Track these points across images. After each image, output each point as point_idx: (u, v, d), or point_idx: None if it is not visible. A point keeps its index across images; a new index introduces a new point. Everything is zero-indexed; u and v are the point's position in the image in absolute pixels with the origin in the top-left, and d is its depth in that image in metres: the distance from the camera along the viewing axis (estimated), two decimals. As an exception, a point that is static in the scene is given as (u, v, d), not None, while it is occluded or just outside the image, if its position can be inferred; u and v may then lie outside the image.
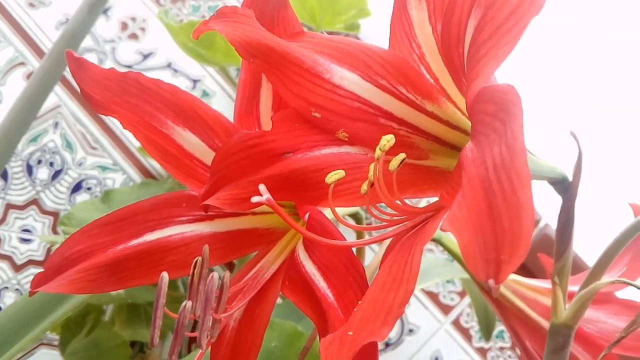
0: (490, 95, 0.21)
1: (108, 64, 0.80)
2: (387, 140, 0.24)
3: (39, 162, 0.76)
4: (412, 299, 0.77)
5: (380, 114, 0.28)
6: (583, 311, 0.39)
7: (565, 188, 0.36)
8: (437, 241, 0.51)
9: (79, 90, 0.79)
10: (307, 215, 0.29)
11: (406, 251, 0.23)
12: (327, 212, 0.31)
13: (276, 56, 0.26)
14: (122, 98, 0.30)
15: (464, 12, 0.23)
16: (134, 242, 0.31)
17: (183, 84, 0.80)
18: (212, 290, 0.26)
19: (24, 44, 0.79)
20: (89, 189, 0.76)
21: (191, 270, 0.28)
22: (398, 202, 0.26)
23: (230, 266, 0.68)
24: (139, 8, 0.83)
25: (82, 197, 0.76)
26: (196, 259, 0.29)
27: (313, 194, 0.27)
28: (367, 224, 0.34)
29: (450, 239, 0.51)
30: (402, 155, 0.25)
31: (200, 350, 0.27)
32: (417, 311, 0.76)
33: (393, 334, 0.75)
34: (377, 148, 0.24)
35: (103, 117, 0.78)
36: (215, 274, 0.26)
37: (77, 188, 0.76)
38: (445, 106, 0.29)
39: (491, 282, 0.16)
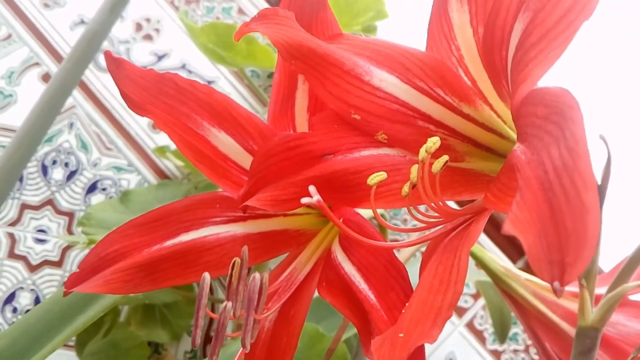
0: (541, 98, 0.21)
1: (123, 65, 0.80)
2: (433, 143, 0.25)
3: (54, 162, 0.76)
4: (426, 301, 0.77)
5: (419, 116, 0.28)
6: (610, 314, 0.39)
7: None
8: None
9: (99, 94, 0.79)
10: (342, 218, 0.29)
11: (452, 253, 0.23)
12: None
13: (317, 58, 0.26)
14: (158, 99, 0.30)
15: (509, 15, 0.23)
16: (169, 242, 0.31)
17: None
18: (254, 290, 0.26)
19: (38, 45, 0.79)
20: (104, 189, 0.76)
21: (229, 271, 0.29)
22: (441, 203, 0.26)
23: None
24: (154, 9, 0.83)
25: (97, 197, 0.76)
26: (234, 259, 0.29)
27: (354, 195, 0.27)
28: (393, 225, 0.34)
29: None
30: (445, 157, 0.25)
31: (240, 351, 0.28)
32: (431, 313, 0.76)
33: (407, 336, 0.75)
34: (423, 149, 0.25)
35: (118, 117, 0.78)
36: (257, 275, 0.27)
37: (92, 189, 0.76)
38: (482, 109, 0.29)
39: (556, 284, 0.16)
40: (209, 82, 0.81)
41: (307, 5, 0.29)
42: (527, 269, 0.83)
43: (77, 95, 0.78)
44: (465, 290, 0.77)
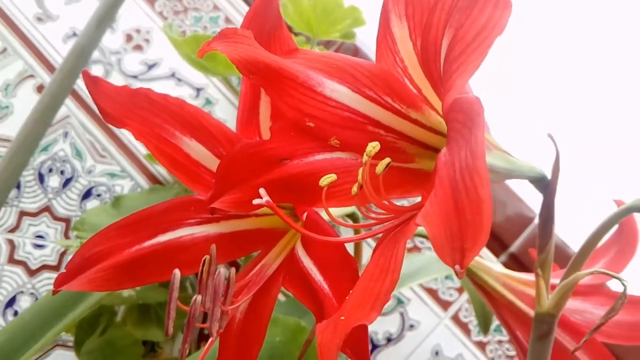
0: (460, 106, 0.23)
1: (114, 75, 0.83)
2: (373, 147, 0.27)
3: (50, 170, 0.79)
4: (412, 296, 0.79)
5: (369, 122, 0.31)
6: (565, 300, 0.41)
7: (545, 186, 0.39)
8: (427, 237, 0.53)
9: (92, 103, 0.81)
10: (304, 216, 0.32)
11: (392, 245, 0.26)
12: (325, 214, 0.34)
13: (272, 72, 0.29)
14: (133, 112, 0.33)
15: (439, 31, 0.26)
16: (148, 243, 0.34)
17: (187, 93, 0.83)
18: (219, 284, 0.29)
19: (33, 57, 0.82)
20: (98, 195, 0.79)
21: (200, 268, 0.31)
22: (385, 202, 0.28)
23: (235, 265, 0.70)
24: (143, 20, 0.86)
25: (92, 203, 0.79)
26: (205, 257, 0.32)
27: (309, 196, 0.29)
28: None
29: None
30: (387, 160, 0.28)
31: (210, 339, 0.30)
32: (417, 307, 0.79)
33: (394, 330, 0.78)
34: (364, 154, 0.27)
35: (110, 126, 0.81)
36: (222, 270, 0.29)
37: (87, 195, 0.79)
38: (428, 114, 0.32)
39: (457, 267, 0.19)
40: (198, 90, 0.84)
41: (266, 24, 0.31)
42: (510, 262, 0.85)
43: (70, 105, 0.81)
44: (450, 284, 0.80)
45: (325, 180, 0.28)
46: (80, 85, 0.82)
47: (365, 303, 0.24)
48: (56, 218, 0.78)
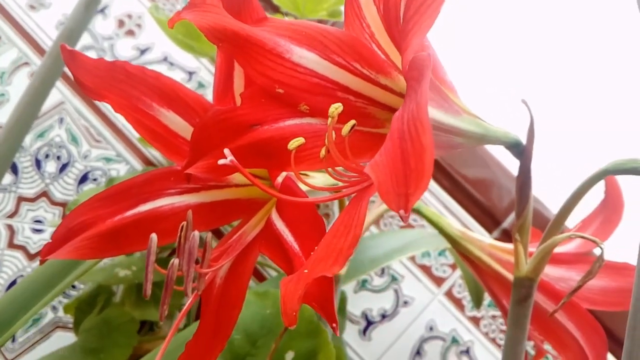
0: (415, 63, 0.24)
1: (108, 61, 0.84)
2: (335, 108, 0.28)
3: (47, 156, 0.80)
4: (406, 272, 0.80)
5: (338, 88, 0.32)
6: (543, 264, 0.42)
7: (520, 152, 0.40)
8: (417, 211, 0.54)
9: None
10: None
11: (356, 203, 0.27)
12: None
13: (241, 40, 0.30)
14: (111, 84, 0.34)
15: (397, -3, 0.27)
16: (130, 212, 0.35)
17: (179, 76, 0.84)
18: (194, 246, 0.30)
19: (27, 45, 0.83)
20: (94, 179, 0.80)
21: (178, 233, 0.32)
22: (354, 165, 0.29)
23: (219, 234, 0.71)
24: (135, 5, 0.87)
25: (88, 187, 0.80)
26: (182, 223, 0.33)
27: (279, 160, 0.30)
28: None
29: (429, 208, 0.55)
30: (352, 122, 0.29)
31: (189, 300, 0.31)
32: (411, 284, 0.80)
33: (388, 306, 0.79)
34: (328, 115, 0.28)
35: (105, 111, 0.82)
36: (197, 233, 0.30)
37: (83, 179, 0.80)
38: (397, 79, 0.33)
39: (402, 212, 0.19)
40: (190, 73, 0.84)
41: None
42: (503, 238, 0.86)
43: (65, 91, 0.82)
44: (443, 260, 0.81)
45: (294, 143, 0.29)
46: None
47: (328, 257, 0.25)
48: (54, 203, 0.79)
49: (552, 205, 0.82)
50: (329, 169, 0.30)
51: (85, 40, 0.84)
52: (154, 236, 0.31)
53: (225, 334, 0.34)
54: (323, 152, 0.29)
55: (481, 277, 0.54)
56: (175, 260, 0.31)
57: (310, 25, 0.32)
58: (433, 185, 0.83)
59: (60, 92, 0.82)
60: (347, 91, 0.32)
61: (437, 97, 0.31)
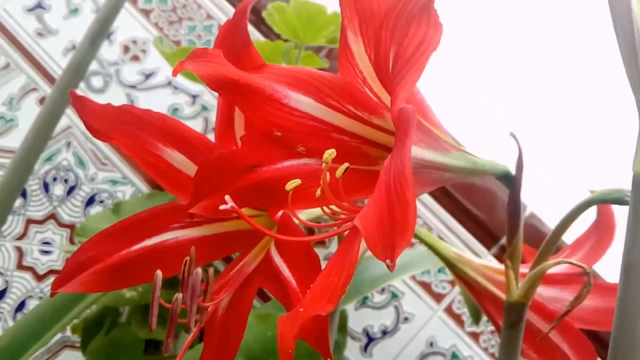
0: (402, 115, 0.26)
1: (113, 85, 0.86)
2: (329, 154, 0.30)
3: (55, 179, 0.82)
4: (406, 289, 0.82)
5: (333, 130, 0.34)
6: (534, 289, 0.44)
7: (510, 182, 0.42)
8: (414, 235, 0.56)
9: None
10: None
11: (350, 243, 0.28)
12: (302, 215, 0.37)
13: (240, 87, 0.32)
14: (118, 127, 0.36)
15: (387, 47, 0.29)
16: (136, 247, 0.37)
17: (183, 100, 0.86)
18: (197, 282, 0.32)
19: (35, 71, 0.86)
20: (101, 201, 0.82)
21: (182, 268, 0.34)
22: (346, 203, 0.31)
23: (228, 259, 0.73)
24: (140, 31, 0.89)
25: (95, 209, 0.82)
26: (186, 258, 0.34)
27: (278, 199, 0.32)
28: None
29: (425, 232, 0.56)
30: (345, 165, 0.30)
31: (192, 333, 0.33)
32: (411, 301, 0.81)
33: (389, 323, 0.80)
34: (323, 160, 0.30)
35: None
36: (199, 270, 0.32)
37: (90, 201, 0.82)
38: (389, 118, 0.35)
39: (388, 262, 0.21)
40: (194, 97, 0.86)
41: (236, 43, 0.34)
42: (501, 254, 0.88)
43: (72, 116, 0.84)
44: (442, 277, 0.82)
45: (291, 185, 0.31)
46: (80, 94, 0.85)
47: (322, 296, 0.26)
48: (61, 225, 0.81)
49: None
50: (324, 208, 0.31)
51: (92, 66, 0.86)
52: (159, 273, 0.33)
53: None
54: (319, 192, 0.31)
55: (476, 298, 0.56)
56: (179, 295, 0.33)
57: (306, 70, 0.34)
58: (431, 202, 0.85)
59: (67, 117, 0.84)
60: (342, 132, 0.34)
61: (426, 138, 0.33)
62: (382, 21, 0.28)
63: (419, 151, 0.31)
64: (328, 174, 0.31)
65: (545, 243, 0.43)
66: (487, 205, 0.86)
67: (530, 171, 0.89)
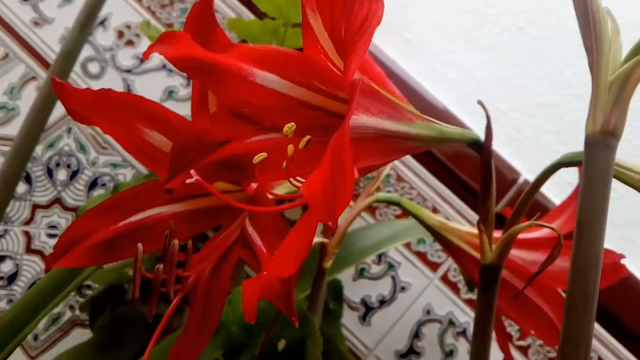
0: (351, 88, 0.28)
1: (109, 70, 0.88)
2: (289, 127, 0.32)
3: (58, 165, 0.85)
4: (402, 259, 0.84)
5: (299, 104, 0.35)
6: (507, 251, 0.45)
7: (480, 148, 0.43)
8: (398, 204, 0.58)
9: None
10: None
11: (309, 211, 0.30)
12: (283, 188, 0.39)
13: (207, 67, 0.33)
14: (98, 111, 0.38)
15: (340, 22, 0.30)
16: (122, 223, 0.39)
17: (178, 82, 0.88)
18: (174, 254, 0.34)
19: (33, 60, 0.88)
20: (103, 185, 0.85)
21: (164, 242, 0.36)
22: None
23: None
24: (133, 16, 0.90)
25: (98, 192, 0.84)
26: (166, 232, 0.37)
27: (247, 173, 0.34)
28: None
29: (409, 201, 0.58)
30: (307, 137, 0.32)
31: (174, 301, 0.35)
32: (407, 270, 0.83)
33: (386, 292, 0.83)
34: (283, 133, 0.32)
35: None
36: (176, 242, 0.34)
37: (93, 185, 0.85)
38: (353, 92, 0.36)
39: (330, 224, 0.23)
40: (189, 79, 0.88)
41: (204, 25, 0.35)
42: (495, 223, 0.88)
43: (71, 102, 0.86)
44: (438, 246, 0.84)
45: (258, 158, 0.33)
46: (78, 82, 0.87)
47: (285, 260, 0.28)
48: (66, 208, 0.84)
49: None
50: (291, 179, 0.33)
51: (88, 52, 0.89)
52: (140, 246, 0.35)
53: (211, 328, 0.38)
54: (285, 164, 0.33)
55: (461, 264, 0.58)
56: (160, 266, 0.35)
57: (271, 48, 0.35)
58: (425, 173, 0.86)
59: (66, 103, 0.86)
60: (308, 106, 0.35)
61: (387, 109, 0.34)
62: (336, -3, 0.30)
63: (379, 122, 0.33)
64: (292, 146, 0.32)
65: (516, 207, 0.44)
66: (473, 170, 0.87)
67: (527, 138, 0.89)
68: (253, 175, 0.33)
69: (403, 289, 0.83)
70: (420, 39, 0.93)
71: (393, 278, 0.83)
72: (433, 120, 0.39)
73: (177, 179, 0.35)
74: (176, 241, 0.35)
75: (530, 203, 0.46)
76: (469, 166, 0.87)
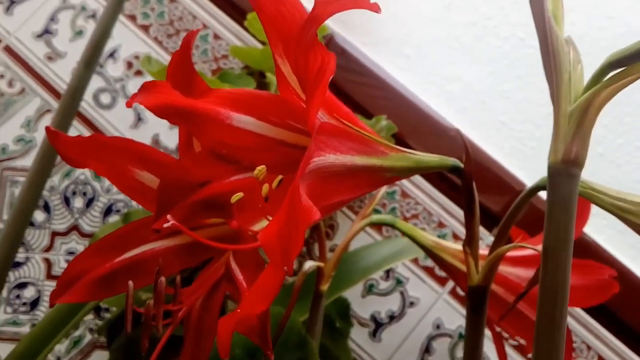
0: (312, 133, 0.29)
1: (120, 101, 0.92)
2: (259, 170, 0.33)
3: (74, 193, 0.89)
4: (410, 274, 0.85)
5: (275, 143, 0.37)
6: (493, 273, 0.46)
7: (460, 174, 0.44)
8: (392, 226, 0.59)
9: (104, 129, 0.90)
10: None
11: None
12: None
13: (185, 113, 0.36)
14: (90, 155, 0.40)
15: (301, 71, 0.32)
16: (117, 259, 0.41)
17: (186, 109, 0.91)
18: (161, 290, 0.36)
19: (48, 93, 0.92)
20: (118, 211, 0.88)
21: (155, 277, 0.38)
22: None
23: None
24: (141, 46, 0.94)
25: (113, 218, 0.88)
26: (157, 268, 0.39)
27: (227, 212, 0.36)
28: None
29: (403, 223, 0.59)
30: (279, 177, 0.34)
31: (164, 335, 0.37)
32: (416, 285, 0.84)
33: (396, 308, 0.83)
34: (254, 176, 0.33)
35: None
36: (163, 279, 0.36)
37: (108, 211, 0.88)
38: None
39: (286, 268, 0.25)
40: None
41: (184, 72, 0.37)
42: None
43: (83, 130, 0.90)
44: (445, 261, 0.85)
45: (235, 198, 0.35)
46: (91, 112, 0.91)
47: (256, 297, 0.30)
48: (83, 235, 0.87)
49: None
50: (268, 217, 0.35)
51: (99, 83, 0.92)
52: (130, 284, 0.37)
53: (203, 356, 0.40)
54: (260, 203, 0.35)
55: (457, 281, 0.58)
56: (151, 302, 0.37)
57: (247, 92, 0.37)
58: (430, 188, 0.87)
59: (79, 133, 0.90)
60: (284, 144, 0.37)
61: (357, 145, 0.36)
62: (296, 47, 0.31)
63: (348, 158, 0.34)
64: (267, 185, 0.34)
65: (498, 230, 0.45)
66: (486, 188, 0.87)
67: (531, 149, 0.89)
68: (232, 214, 0.35)
69: (412, 304, 0.84)
70: (419, 54, 0.95)
71: (402, 293, 0.84)
72: (407, 150, 0.40)
73: (164, 219, 0.37)
74: (163, 279, 0.37)
75: (512, 225, 0.46)
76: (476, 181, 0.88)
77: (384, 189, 0.72)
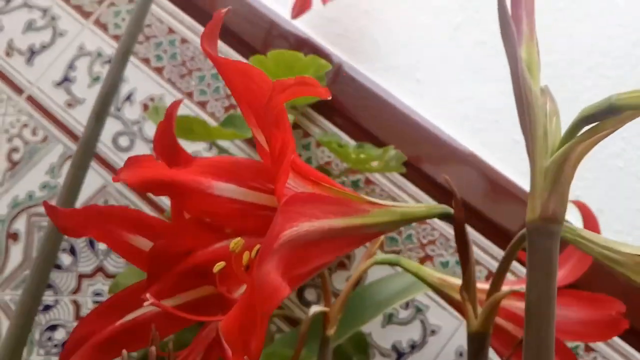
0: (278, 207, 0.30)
1: (138, 142, 0.95)
2: (235, 243, 0.34)
3: (98, 235, 0.91)
4: (430, 302, 0.84)
5: (257, 209, 0.38)
6: (492, 319, 0.46)
7: (452, 219, 0.44)
8: (397, 264, 0.59)
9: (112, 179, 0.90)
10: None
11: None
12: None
13: (167, 185, 0.37)
14: (87, 224, 0.41)
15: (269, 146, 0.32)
16: (118, 323, 0.43)
17: (201, 147, 0.93)
18: (153, 355, 0.37)
19: (69, 139, 0.95)
20: (140, 250, 0.90)
21: (150, 342, 0.39)
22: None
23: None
24: (156, 88, 0.97)
25: (135, 258, 0.90)
26: (153, 332, 0.40)
27: (211, 280, 0.37)
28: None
29: (408, 261, 0.59)
30: (257, 246, 0.34)
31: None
32: (436, 313, 0.83)
33: (417, 337, 0.83)
34: (230, 248, 0.34)
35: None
36: (153, 348, 0.37)
37: (131, 251, 0.90)
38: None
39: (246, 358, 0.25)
40: (210, 144, 0.93)
41: (166, 145, 0.39)
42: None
43: (105, 175, 0.93)
44: (464, 287, 0.83)
45: (217, 267, 0.35)
46: (111, 157, 0.94)
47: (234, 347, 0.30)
48: (108, 276, 0.90)
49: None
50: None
51: (118, 127, 0.95)
52: (124, 353, 0.38)
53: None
54: (241, 271, 0.35)
55: (465, 317, 0.58)
56: (145, 368, 0.38)
57: (229, 159, 0.38)
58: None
59: (101, 177, 0.93)
60: (267, 209, 0.38)
61: (335, 208, 0.36)
62: (263, 122, 0.32)
63: (326, 222, 0.35)
64: (247, 253, 0.35)
65: (495, 276, 0.45)
66: (503, 209, 0.86)
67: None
68: (216, 282, 0.36)
69: (433, 332, 0.83)
70: (430, 77, 0.94)
71: (422, 322, 0.83)
72: (391, 204, 0.40)
73: (153, 289, 0.38)
74: (153, 348, 0.38)
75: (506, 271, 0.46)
76: (487, 201, 0.87)
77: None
